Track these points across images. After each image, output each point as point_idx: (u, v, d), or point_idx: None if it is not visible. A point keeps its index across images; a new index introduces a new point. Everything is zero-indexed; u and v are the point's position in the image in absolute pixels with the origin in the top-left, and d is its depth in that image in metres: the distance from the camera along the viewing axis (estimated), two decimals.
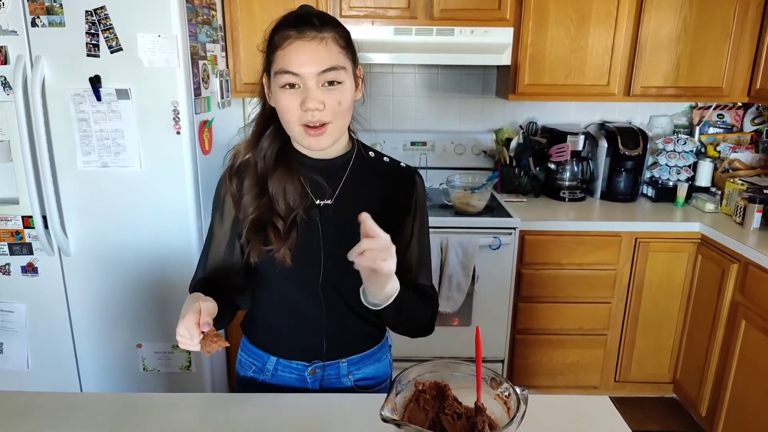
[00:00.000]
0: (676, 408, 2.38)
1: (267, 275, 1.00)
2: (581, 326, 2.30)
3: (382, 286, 0.84)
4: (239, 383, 1.11)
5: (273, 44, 0.89)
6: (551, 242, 2.20)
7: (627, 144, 2.43)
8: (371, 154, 1.04)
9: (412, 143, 2.60)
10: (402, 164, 1.05)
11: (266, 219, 0.95)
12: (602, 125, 2.59)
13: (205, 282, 1.01)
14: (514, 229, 2.15)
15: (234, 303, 1.02)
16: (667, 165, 2.50)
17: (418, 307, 0.98)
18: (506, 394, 0.79)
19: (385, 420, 0.71)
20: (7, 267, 1.82)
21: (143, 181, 1.74)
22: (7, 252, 1.81)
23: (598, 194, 2.55)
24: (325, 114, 0.88)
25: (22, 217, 1.78)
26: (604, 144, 2.48)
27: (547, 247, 2.20)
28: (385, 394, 0.76)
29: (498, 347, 2.27)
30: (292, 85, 0.88)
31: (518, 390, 0.76)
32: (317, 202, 0.98)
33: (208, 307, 0.85)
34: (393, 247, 0.80)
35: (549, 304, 2.27)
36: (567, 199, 2.49)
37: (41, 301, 1.84)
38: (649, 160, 2.55)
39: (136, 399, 1.02)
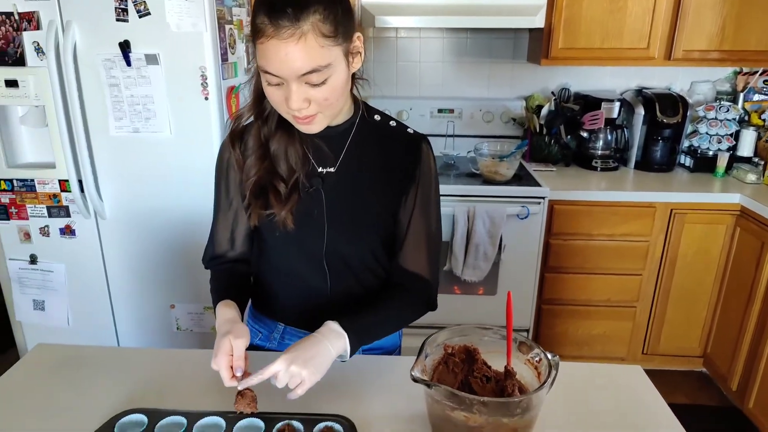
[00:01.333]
0: (706, 381, 2.35)
1: (270, 242, 1.00)
2: (609, 298, 2.26)
3: (332, 359, 0.84)
4: None
5: (255, 27, 0.78)
6: (581, 212, 2.15)
7: (665, 111, 2.33)
8: (377, 117, 0.98)
9: (439, 110, 2.55)
10: (409, 130, 0.99)
11: (268, 181, 0.92)
12: (639, 91, 2.48)
13: (227, 278, 1.02)
14: (543, 198, 2.10)
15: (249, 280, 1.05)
16: (707, 134, 2.39)
17: (391, 324, 0.98)
18: (537, 359, 0.79)
19: (415, 380, 0.72)
20: (46, 228, 1.89)
21: (173, 146, 1.75)
22: (46, 214, 1.88)
23: (633, 164, 2.46)
24: (311, 109, 0.83)
25: (59, 180, 1.83)
26: (640, 111, 2.38)
27: (576, 217, 2.16)
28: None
29: (524, 317, 2.26)
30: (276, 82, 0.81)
31: (549, 356, 0.76)
32: (320, 170, 0.95)
33: (239, 346, 0.83)
34: (280, 369, 0.79)
35: (577, 275, 2.24)
36: (599, 169, 2.42)
37: (79, 262, 1.91)
38: (689, 128, 2.44)
39: (171, 354, 1.07)
